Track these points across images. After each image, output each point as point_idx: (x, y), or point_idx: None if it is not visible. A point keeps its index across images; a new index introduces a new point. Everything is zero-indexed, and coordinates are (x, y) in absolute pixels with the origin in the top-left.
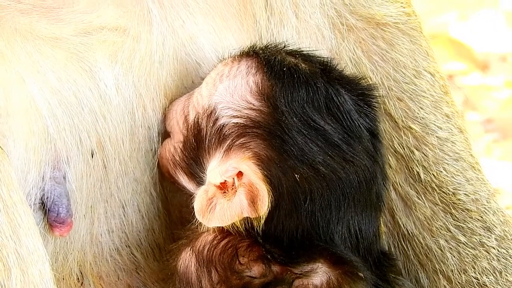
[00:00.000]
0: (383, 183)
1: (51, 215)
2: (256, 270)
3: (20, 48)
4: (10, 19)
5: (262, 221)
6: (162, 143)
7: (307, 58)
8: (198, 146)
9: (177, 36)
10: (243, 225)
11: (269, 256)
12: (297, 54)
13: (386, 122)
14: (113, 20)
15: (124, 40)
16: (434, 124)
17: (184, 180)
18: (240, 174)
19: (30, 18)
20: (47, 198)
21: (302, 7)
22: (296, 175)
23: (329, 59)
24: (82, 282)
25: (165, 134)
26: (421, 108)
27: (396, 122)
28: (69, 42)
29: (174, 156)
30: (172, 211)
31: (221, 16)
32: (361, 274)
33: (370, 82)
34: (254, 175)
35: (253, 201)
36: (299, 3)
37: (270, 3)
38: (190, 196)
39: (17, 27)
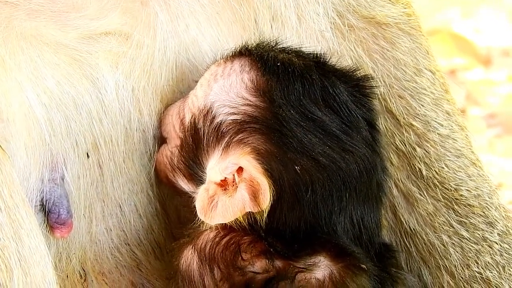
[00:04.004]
0: (383, 173)
1: (52, 216)
2: (258, 265)
3: (23, 54)
4: (17, 24)
5: (265, 215)
6: (158, 149)
7: (300, 53)
8: (196, 147)
9: (179, 41)
10: (246, 220)
11: (272, 250)
12: (289, 50)
13: (388, 119)
14: (119, 26)
15: (127, 47)
16: (435, 121)
17: (183, 183)
18: (240, 170)
19: (37, 23)
20: (47, 200)
21: (305, 10)
22: (296, 167)
23: (322, 53)
24: (85, 279)
25: (161, 140)
26: (422, 106)
27: (397, 119)
28: (72, 48)
29: (172, 160)
30: (170, 211)
31: (226, 22)
32: (363, 266)
33: (365, 73)
34: (254, 169)
35: (255, 196)
36: (302, 6)
37: (274, 7)
38: (190, 198)
39: (23, 31)
